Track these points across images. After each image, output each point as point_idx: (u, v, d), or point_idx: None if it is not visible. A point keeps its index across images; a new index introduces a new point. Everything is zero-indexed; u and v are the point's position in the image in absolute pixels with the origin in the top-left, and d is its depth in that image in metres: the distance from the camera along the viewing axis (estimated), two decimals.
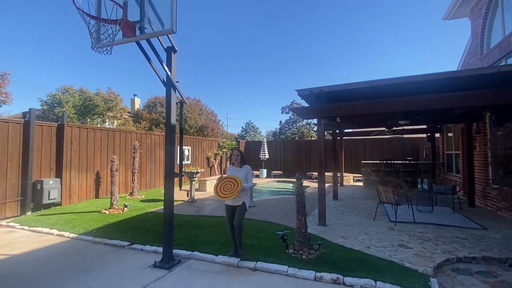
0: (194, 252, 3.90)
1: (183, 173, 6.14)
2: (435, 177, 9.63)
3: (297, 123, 27.45)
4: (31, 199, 6.60)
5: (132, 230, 5.05)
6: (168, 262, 3.54)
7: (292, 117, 27.80)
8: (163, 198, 4.20)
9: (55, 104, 14.02)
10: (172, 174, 3.75)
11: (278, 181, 13.78)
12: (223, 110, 44.09)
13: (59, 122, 7.56)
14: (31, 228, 5.27)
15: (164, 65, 3.58)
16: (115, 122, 17.05)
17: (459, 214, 6.05)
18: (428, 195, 6.39)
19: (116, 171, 6.95)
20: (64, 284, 3.14)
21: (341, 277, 3.09)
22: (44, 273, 3.43)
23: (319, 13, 61.51)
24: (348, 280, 3.04)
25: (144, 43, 3.43)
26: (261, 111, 77.34)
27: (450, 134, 9.61)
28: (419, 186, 6.60)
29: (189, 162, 12.58)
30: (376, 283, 2.95)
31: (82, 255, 4.03)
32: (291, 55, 71.05)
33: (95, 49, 2.96)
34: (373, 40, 69.21)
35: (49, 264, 3.70)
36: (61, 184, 7.25)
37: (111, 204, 6.69)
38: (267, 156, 15.46)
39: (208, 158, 14.32)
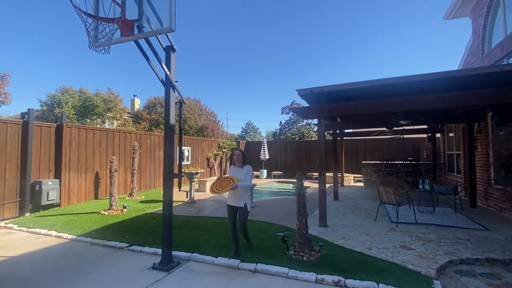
0: (194, 254, 3.85)
1: (182, 174, 6.10)
2: (436, 178, 9.59)
3: (297, 124, 27.42)
4: (29, 200, 6.55)
5: (131, 231, 5.01)
6: (167, 264, 3.50)
7: (292, 117, 27.77)
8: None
9: (55, 105, 13.98)
10: (171, 174, 3.71)
11: (278, 182, 13.74)
12: (223, 111, 44.14)
13: (58, 123, 7.52)
14: (30, 230, 5.22)
15: (163, 64, 3.54)
16: (115, 122, 17.02)
17: (461, 214, 6.00)
18: (430, 196, 6.34)
19: (115, 171, 6.90)
20: (61, 286, 3.09)
21: (342, 279, 3.04)
22: (41, 275, 3.39)
23: (319, 13, 61.63)
24: (350, 282, 2.99)
25: (142, 42, 3.39)
26: (261, 111, 77.43)
27: (451, 134, 9.56)
28: (420, 186, 6.56)
29: (189, 162, 12.53)
30: (378, 286, 2.90)
31: (80, 256, 3.99)
32: (291, 55, 71.20)
33: (93, 48, 2.91)
34: (373, 40, 69.33)
35: (46, 265, 3.66)
36: (60, 185, 7.20)
37: (110, 205, 6.64)
38: (267, 157, 15.42)
39: (208, 159, 14.28)
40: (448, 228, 5.03)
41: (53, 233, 4.97)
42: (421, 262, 3.49)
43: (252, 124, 39.62)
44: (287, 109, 27.29)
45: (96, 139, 8.38)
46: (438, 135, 10.39)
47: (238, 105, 70.38)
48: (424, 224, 5.27)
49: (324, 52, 68.61)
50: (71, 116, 13.74)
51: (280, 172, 15.20)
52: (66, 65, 43.86)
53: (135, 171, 8.76)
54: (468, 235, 4.61)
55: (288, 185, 12.75)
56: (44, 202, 6.68)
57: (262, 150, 15.44)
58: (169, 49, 3.61)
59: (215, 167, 14.72)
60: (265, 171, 15.09)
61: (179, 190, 4.89)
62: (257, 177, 14.61)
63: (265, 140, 16.45)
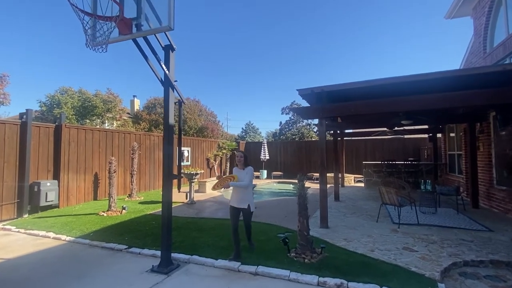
0: (193, 256, 3.79)
1: (182, 175, 6.05)
2: (437, 178, 9.53)
3: (297, 124, 27.39)
4: (28, 201, 6.49)
5: (130, 233, 4.95)
6: (166, 267, 3.44)
7: (292, 117, 27.74)
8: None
9: (54, 105, 13.94)
10: (171, 175, 3.66)
11: (279, 182, 13.69)
12: (223, 111, 43.94)
13: (56, 123, 7.47)
14: (28, 231, 5.16)
15: (162, 63, 3.49)
16: (114, 123, 16.98)
17: (463, 215, 5.94)
18: (431, 196, 6.28)
19: (114, 172, 6.85)
20: None
21: (345, 282, 2.98)
22: (39, 277, 3.33)
23: (319, 13, 61.53)
24: (353, 285, 2.93)
25: (141, 41, 3.35)
26: (261, 111, 77.36)
27: (452, 134, 9.51)
28: (422, 187, 6.49)
29: (188, 163, 12.48)
30: None
31: (78, 258, 3.93)
32: (291, 55, 71.13)
33: (90, 46, 2.86)
34: (373, 40, 69.23)
35: (44, 268, 3.60)
36: (58, 186, 7.15)
37: (109, 206, 6.58)
38: (267, 157, 15.37)
39: (208, 159, 14.23)
40: (451, 229, 4.97)
41: (51, 234, 4.91)
42: (425, 264, 3.43)
43: (252, 124, 39.60)
44: (287, 110, 27.25)
45: (95, 139, 8.33)
46: (439, 135, 10.33)
47: (238, 106, 70.36)
48: (427, 225, 5.21)
49: (324, 52, 68.63)
50: (70, 116, 13.69)
51: (280, 173, 15.14)
52: (65, 66, 43.82)
53: (135, 172, 8.70)
54: (472, 236, 4.55)
55: (289, 186, 12.69)
56: (42, 203, 6.62)
57: (262, 151, 15.38)
58: (168, 48, 3.55)
59: (215, 168, 14.66)
60: (265, 172, 15.03)
61: (179, 191, 4.82)
62: (257, 177, 14.55)
63: (265, 141, 16.40)
